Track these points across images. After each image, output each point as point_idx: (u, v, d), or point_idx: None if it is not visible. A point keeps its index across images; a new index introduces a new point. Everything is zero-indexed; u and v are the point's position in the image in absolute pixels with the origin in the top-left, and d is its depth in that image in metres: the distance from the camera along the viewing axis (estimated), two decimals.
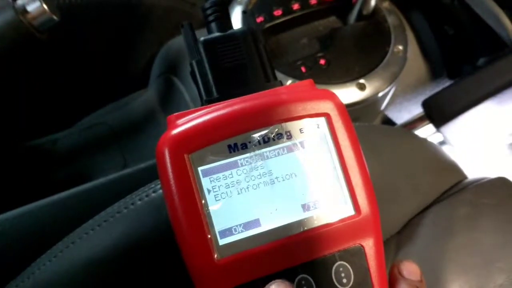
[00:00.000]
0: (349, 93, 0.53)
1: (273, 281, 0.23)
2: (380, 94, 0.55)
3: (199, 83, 0.28)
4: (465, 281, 0.37)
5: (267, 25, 0.55)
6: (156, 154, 0.25)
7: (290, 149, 0.25)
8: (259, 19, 0.55)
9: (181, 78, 0.59)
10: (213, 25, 0.29)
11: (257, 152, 0.25)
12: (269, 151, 0.25)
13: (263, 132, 0.25)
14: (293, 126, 0.25)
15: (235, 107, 0.25)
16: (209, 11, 0.29)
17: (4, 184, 0.57)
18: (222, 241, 0.24)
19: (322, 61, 0.55)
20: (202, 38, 0.28)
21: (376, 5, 0.59)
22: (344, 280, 0.24)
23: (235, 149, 0.24)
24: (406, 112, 0.69)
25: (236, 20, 0.55)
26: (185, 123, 0.25)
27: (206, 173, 0.24)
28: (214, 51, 0.28)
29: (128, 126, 0.64)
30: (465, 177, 0.48)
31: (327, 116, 0.26)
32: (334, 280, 0.24)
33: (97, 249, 0.31)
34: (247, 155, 0.25)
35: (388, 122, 0.70)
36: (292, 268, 0.24)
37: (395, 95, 0.63)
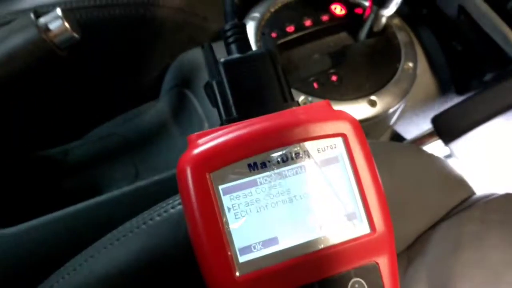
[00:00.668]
0: (360, 110, 0.54)
1: None
2: (390, 111, 0.56)
3: (218, 103, 0.29)
4: None
5: (280, 41, 0.55)
6: (177, 172, 0.25)
7: (308, 168, 0.26)
8: (272, 35, 0.56)
9: (194, 92, 0.60)
10: (233, 46, 0.30)
11: (276, 171, 0.25)
12: (288, 170, 0.25)
13: (282, 152, 0.25)
14: (311, 145, 0.26)
15: (255, 127, 0.26)
16: (229, 33, 0.30)
17: (15, 194, 0.57)
18: (242, 258, 0.24)
19: (334, 77, 0.55)
20: (222, 60, 0.29)
21: (387, 21, 0.59)
22: None
23: (254, 168, 0.25)
24: (414, 126, 0.69)
25: (249, 35, 0.55)
26: (206, 142, 0.25)
27: (227, 192, 0.24)
28: (234, 72, 0.28)
29: (140, 137, 0.64)
30: (473, 192, 0.48)
31: (343, 136, 0.26)
32: None
33: (116, 263, 0.31)
34: (267, 173, 0.25)
35: (397, 136, 0.70)
36: (310, 285, 0.25)
37: (404, 110, 0.63)
